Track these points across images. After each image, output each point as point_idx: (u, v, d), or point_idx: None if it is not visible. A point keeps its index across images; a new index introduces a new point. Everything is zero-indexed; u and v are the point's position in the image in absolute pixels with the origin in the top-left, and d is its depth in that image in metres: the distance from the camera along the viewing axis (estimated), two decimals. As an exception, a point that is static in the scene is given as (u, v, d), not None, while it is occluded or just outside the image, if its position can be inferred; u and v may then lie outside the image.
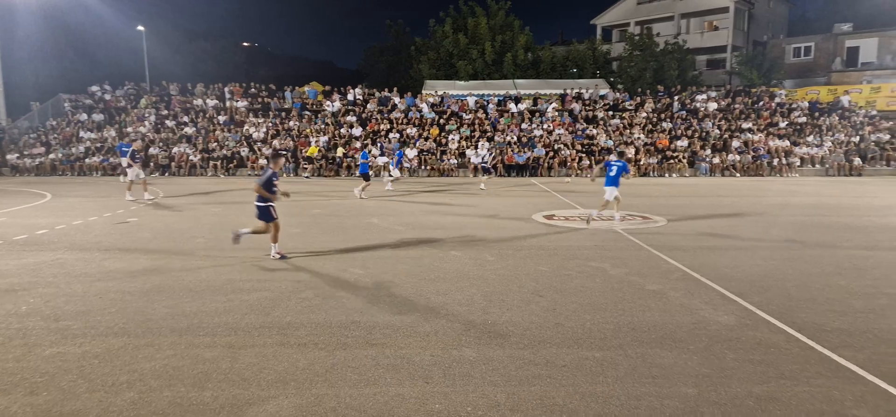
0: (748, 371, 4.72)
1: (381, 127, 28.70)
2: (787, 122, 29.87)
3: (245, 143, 27.67)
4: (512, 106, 31.22)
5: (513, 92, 33.92)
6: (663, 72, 39.39)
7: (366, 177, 17.71)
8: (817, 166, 27.12)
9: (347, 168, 26.06)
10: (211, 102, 31.14)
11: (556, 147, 27.44)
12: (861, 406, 4.12)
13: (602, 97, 32.74)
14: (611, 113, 30.82)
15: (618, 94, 33.52)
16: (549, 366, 4.81)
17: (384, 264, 8.45)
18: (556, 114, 30.55)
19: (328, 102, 31.15)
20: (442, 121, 29.81)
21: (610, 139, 27.94)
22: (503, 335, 5.54)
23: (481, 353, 5.10)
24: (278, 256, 8.77)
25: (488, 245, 9.92)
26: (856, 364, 4.80)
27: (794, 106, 31.83)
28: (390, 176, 20.24)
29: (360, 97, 32.17)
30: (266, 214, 8.65)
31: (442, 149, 27.46)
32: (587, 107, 31.36)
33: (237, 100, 31.25)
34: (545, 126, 29.26)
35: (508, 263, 8.53)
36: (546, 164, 26.41)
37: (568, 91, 33.05)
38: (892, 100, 31.92)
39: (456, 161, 26.81)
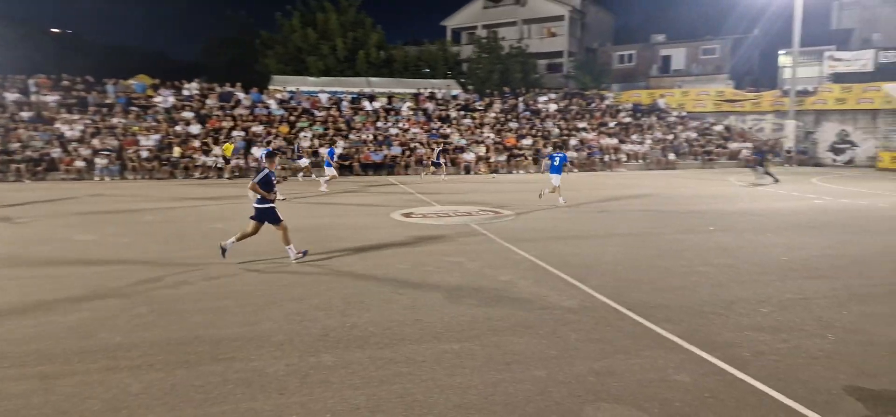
0: (589, 349, 5.13)
1: (223, 124, 26.88)
2: (615, 122, 33.25)
3: (56, 143, 24.24)
4: (366, 104, 31.06)
5: (367, 90, 33.75)
6: (509, 74, 41.77)
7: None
8: (639, 161, 30.49)
9: (185, 169, 24.01)
10: (11, 96, 26.79)
11: (411, 145, 27.80)
12: (681, 371, 4.67)
13: (454, 97, 33.83)
14: (462, 112, 31.95)
15: (468, 95, 34.86)
16: (410, 363, 4.83)
17: (231, 272, 7.91)
18: (411, 112, 30.97)
19: (159, 97, 28.40)
20: (292, 118, 28.73)
21: (462, 137, 28.94)
22: (363, 336, 5.45)
23: (340, 357, 4.96)
24: (300, 255, 8.53)
25: (347, 245, 9.74)
26: (676, 336, 5.44)
27: (620, 107, 35.56)
28: (325, 176, 19.39)
29: (198, 92, 29.88)
30: (271, 216, 8.34)
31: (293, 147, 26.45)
32: (440, 107, 32.19)
33: (45, 95, 27.24)
34: (400, 124, 29.52)
35: (367, 263, 8.44)
36: (403, 163, 26.64)
37: (422, 90, 33.67)
38: (698, 102, 36.91)
39: (310, 160, 26.00)
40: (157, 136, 25.17)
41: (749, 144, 32.08)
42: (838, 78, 34.43)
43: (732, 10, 43.23)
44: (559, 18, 48.97)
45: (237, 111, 28.28)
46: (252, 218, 8.36)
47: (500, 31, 47.84)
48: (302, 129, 27.62)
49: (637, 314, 6.05)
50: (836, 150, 31.01)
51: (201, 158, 24.42)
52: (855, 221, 12.18)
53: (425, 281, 7.37)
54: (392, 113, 30.84)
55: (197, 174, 23.87)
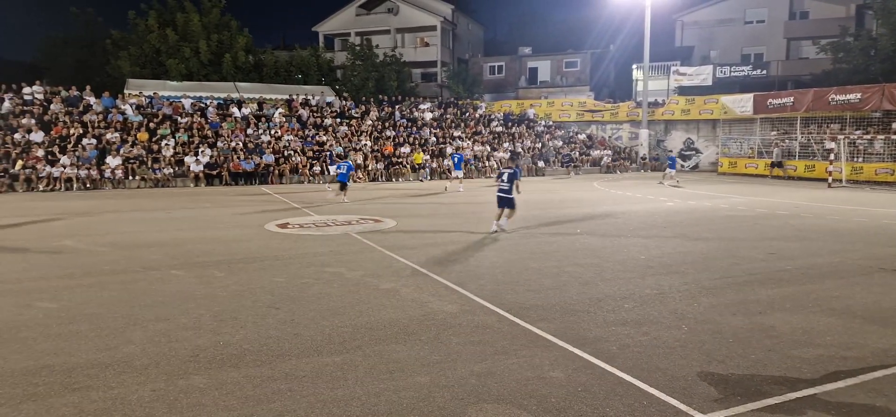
0: (470, 352, 5.25)
1: (72, 131, 24.12)
2: (488, 131, 34.57)
3: None
4: (235, 110, 29.46)
5: (235, 95, 32.03)
6: (384, 82, 41.78)
7: (343, 187, 17.87)
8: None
9: (27, 181, 21.20)
10: None
11: (286, 153, 26.80)
12: (556, 367, 4.93)
13: (329, 104, 33.18)
14: (339, 120, 31.44)
15: (344, 102, 34.35)
16: (289, 379, 4.62)
17: (85, 293, 7.09)
18: (284, 119, 29.89)
19: (-8, 101, 24.90)
20: (152, 124, 26.49)
21: (340, 145, 28.45)
22: (237, 355, 5.13)
23: (213, 378, 4.63)
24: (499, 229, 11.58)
25: (217, 260, 9.14)
26: (549, 333, 5.73)
27: (492, 117, 37.05)
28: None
29: (41, 96, 26.58)
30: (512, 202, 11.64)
31: (154, 156, 24.39)
32: (315, 114, 31.42)
33: None
34: (273, 131, 28.36)
35: (240, 277, 7.98)
36: (277, 171, 25.58)
37: (294, 96, 32.63)
38: (563, 112, 39.44)
39: (173, 169, 24.12)
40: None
41: (609, 151, 34.89)
42: (683, 91, 38.61)
43: (591, 27, 46.88)
44: (432, 28, 49.97)
45: (87, 117, 25.50)
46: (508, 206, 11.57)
47: (375, 39, 47.74)
48: (163, 137, 25.54)
49: (514, 315, 6.30)
50: (683, 157, 34.61)
51: (46, 169, 21.71)
52: (701, 221, 13.67)
53: (303, 294, 7.12)
54: (263, 120, 29.55)
55: (41, 186, 21.18)
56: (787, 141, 29.43)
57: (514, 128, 35.90)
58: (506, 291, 7.27)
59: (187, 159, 24.39)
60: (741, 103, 31.45)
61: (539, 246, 10.35)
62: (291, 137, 28.18)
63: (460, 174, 22.22)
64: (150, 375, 4.70)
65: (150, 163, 23.95)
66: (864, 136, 26.02)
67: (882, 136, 25.42)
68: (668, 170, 24.90)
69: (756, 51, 42.78)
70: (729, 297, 7.06)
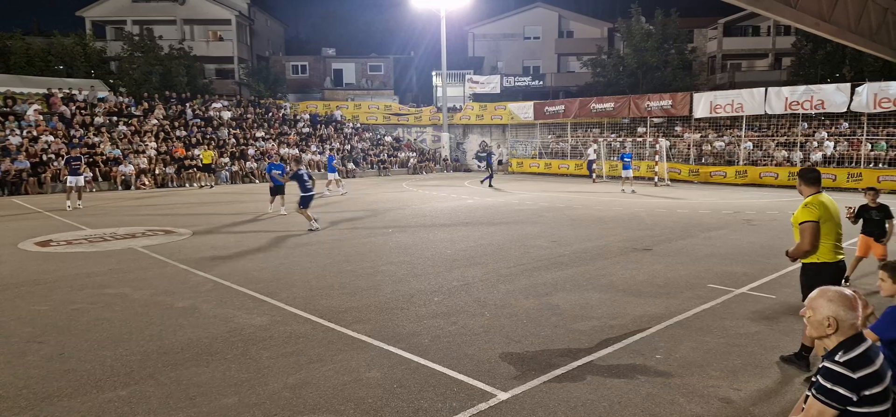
0: (282, 364, 4.96)
1: None
2: (294, 132, 33.35)
3: None
4: (-27, 106, 24.22)
5: (-29, 87, 26.38)
6: (171, 77, 37.70)
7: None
8: (320, 171, 31.26)
9: None
10: None
11: (45, 157, 22.75)
12: (372, 368, 4.90)
13: (101, 100, 29.05)
14: (115, 119, 27.67)
15: (121, 98, 30.37)
16: (60, 426, 3.89)
17: None
18: (41, 117, 25.37)
19: None
20: None
21: (117, 147, 25.04)
22: (-16, 406, 4.17)
23: (-53, 441, 3.69)
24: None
25: (-52, 290, 7.36)
26: (365, 335, 5.68)
27: (298, 117, 35.85)
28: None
29: None
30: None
31: None
32: (83, 112, 27.23)
33: None
34: (26, 132, 23.89)
35: (-15, 309, 6.53)
36: (34, 179, 21.54)
37: (55, 90, 27.92)
38: (370, 114, 39.73)
39: None
40: None
41: (415, 153, 36.05)
42: (477, 97, 41.66)
43: (394, 32, 48.02)
44: (225, 22, 46.54)
45: None
46: None
47: (157, 29, 42.86)
48: None
49: (329, 320, 6.12)
50: (479, 158, 37.25)
51: None
52: (496, 216, 14.79)
53: (75, 323, 6.07)
54: (12, 117, 24.74)
55: None
56: (560, 143, 33.58)
57: (321, 129, 35.17)
58: (320, 296, 7.04)
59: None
60: (524, 110, 35.01)
61: (353, 248, 10.26)
62: (51, 138, 24.03)
63: (335, 176, 21.51)
64: None
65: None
66: (617, 139, 30.87)
67: (631, 139, 30.39)
68: (623, 171, 21.89)
69: (534, 63, 48.00)
70: (522, 283, 7.74)
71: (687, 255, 9.54)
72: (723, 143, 27.95)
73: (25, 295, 7.17)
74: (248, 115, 33.43)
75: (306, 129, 34.40)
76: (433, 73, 44.99)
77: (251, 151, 29.14)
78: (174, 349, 5.31)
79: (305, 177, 12.58)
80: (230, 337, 5.65)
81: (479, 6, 43.18)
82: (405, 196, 20.46)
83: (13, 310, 6.51)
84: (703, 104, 27.10)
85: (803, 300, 5.00)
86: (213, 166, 25.16)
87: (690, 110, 27.63)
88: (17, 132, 23.73)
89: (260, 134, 31.42)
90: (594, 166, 27.63)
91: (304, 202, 12.28)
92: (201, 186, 24.22)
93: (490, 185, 23.73)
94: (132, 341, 5.51)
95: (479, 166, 26.58)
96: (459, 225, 13.20)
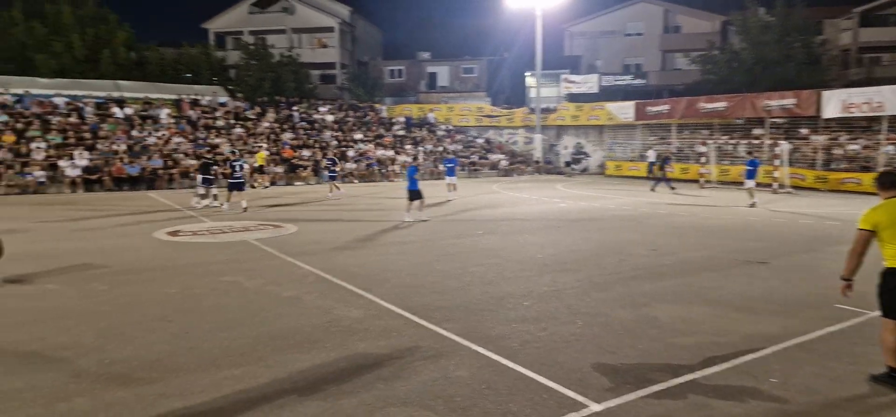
0: (376, 356, 5.25)
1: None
2: (390, 134, 34.52)
3: None
4: (116, 110, 27.25)
5: (115, 94, 29.64)
6: (281, 83, 40.29)
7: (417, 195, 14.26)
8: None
9: None
10: None
11: (175, 156, 25.15)
12: (461, 367, 5.05)
13: (221, 104, 31.63)
14: (233, 121, 30.03)
15: (238, 103, 32.87)
16: (184, 396, 4.39)
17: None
18: (172, 120, 28.07)
19: None
20: (19, 125, 23.86)
21: (234, 148, 27.15)
22: (125, 373, 4.79)
23: (99, 400, 4.29)
24: None
25: (98, 272, 8.43)
26: (455, 334, 5.86)
27: (393, 120, 37.05)
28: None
29: None
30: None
31: (23, 160, 21.99)
32: (206, 115, 29.80)
33: None
34: (160, 133, 26.54)
35: (126, 290, 7.42)
36: (166, 176, 23.90)
37: (184, 96, 30.76)
38: (462, 116, 40.23)
39: (46, 174, 21.87)
40: None
41: (506, 155, 36.03)
42: (572, 97, 40.77)
43: (488, 35, 48.22)
44: (329, 29, 49.05)
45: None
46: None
47: (269, 39, 46.01)
48: (33, 139, 23.08)
49: (420, 317, 6.36)
50: (573, 160, 36.55)
51: None
52: (590, 221, 14.50)
53: (198, 306, 6.76)
54: (149, 121, 27.57)
55: None
56: (664, 145, 31.94)
57: (415, 131, 36.11)
58: (412, 294, 7.32)
59: (61, 163, 22.20)
60: (624, 110, 33.75)
61: (444, 249, 10.51)
62: (180, 139, 26.53)
63: (454, 180, 20.80)
64: (24, 400, 4.27)
65: (18, 167, 21.55)
66: (730, 141, 28.88)
67: (745, 141, 28.36)
68: (747, 180, 18.15)
69: (636, 61, 46.16)
70: (617, 291, 7.56)
71: (810, 271, 8.80)
72: (858, 147, 25.10)
73: (158, 279, 8.06)
74: (349, 118, 35.00)
75: (401, 132, 35.44)
76: (526, 74, 44.63)
77: (351, 152, 30.49)
78: (281, 335, 5.77)
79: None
80: (329, 326, 6.04)
81: (576, 3, 42.01)
82: (496, 198, 20.54)
83: (147, 292, 7.34)
84: (834, 102, 24.74)
85: (882, 308, 4.58)
86: (264, 168, 25.15)
87: (818, 109, 25.31)
88: (153, 134, 26.41)
89: (358, 136, 32.79)
90: (654, 169, 25.27)
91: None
92: (253, 186, 24.01)
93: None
94: (244, 325, 6.05)
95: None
96: (550, 228, 13.09)
